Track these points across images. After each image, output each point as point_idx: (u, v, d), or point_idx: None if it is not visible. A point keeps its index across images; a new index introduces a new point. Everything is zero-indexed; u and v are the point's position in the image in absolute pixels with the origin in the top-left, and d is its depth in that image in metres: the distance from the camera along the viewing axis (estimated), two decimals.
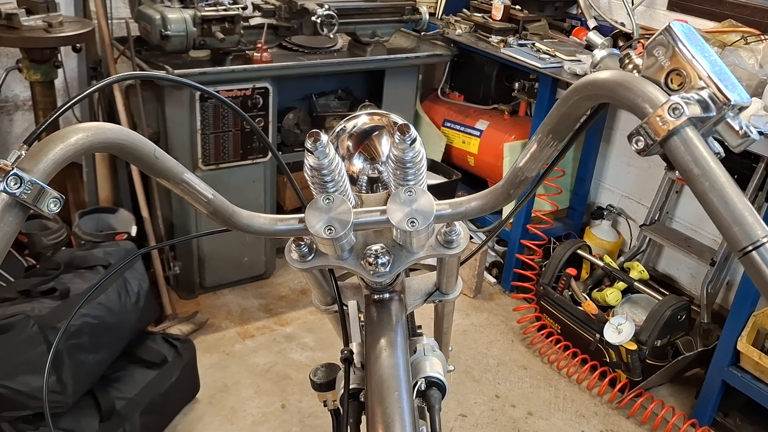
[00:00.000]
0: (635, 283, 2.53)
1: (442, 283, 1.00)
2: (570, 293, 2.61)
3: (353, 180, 0.86)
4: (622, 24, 2.82)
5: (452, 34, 2.99)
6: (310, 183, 0.76)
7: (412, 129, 0.78)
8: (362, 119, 0.91)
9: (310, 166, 0.73)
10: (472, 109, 3.23)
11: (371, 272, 0.80)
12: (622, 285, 2.57)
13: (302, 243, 0.80)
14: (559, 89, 2.80)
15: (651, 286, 2.53)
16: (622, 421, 2.35)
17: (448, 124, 3.26)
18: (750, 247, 0.53)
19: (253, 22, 2.56)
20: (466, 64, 3.22)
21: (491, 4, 2.98)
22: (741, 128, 0.59)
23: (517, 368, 2.57)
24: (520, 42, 2.86)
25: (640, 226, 2.77)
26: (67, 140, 0.57)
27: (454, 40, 2.96)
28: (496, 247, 3.10)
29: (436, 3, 3.24)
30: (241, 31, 2.43)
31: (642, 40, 2.66)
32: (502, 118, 3.13)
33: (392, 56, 2.83)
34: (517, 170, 0.79)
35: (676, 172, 0.60)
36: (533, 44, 2.83)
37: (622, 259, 2.81)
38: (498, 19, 2.96)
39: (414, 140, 0.76)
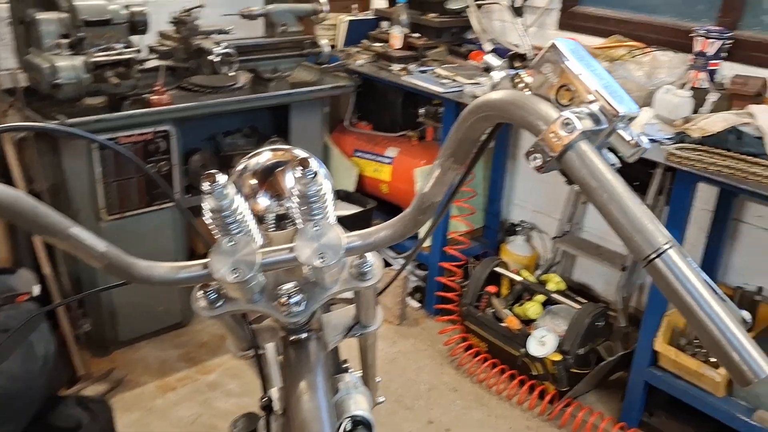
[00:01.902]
0: (553, 295, 2.58)
1: (361, 315, 0.98)
2: (492, 311, 2.64)
3: (260, 219, 0.83)
4: (517, 45, 2.92)
5: (354, 65, 3.01)
6: (212, 227, 0.73)
7: (314, 162, 0.76)
8: (265, 156, 0.89)
9: (209, 209, 0.70)
10: (381, 137, 3.26)
11: (285, 313, 0.77)
12: (541, 297, 2.62)
13: (209, 289, 0.77)
14: None
15: (569, 296, 2.59)
16: None
17: (359, 154, 3.26)
18: (653, 255, 0.54)
19: (149, 64, 2.49)
20: (371, 93, 3.25)
21: (390, 34, 3.03)
22: (632, 138, 0.60)
23: (448, 391, 2.57)
24: (420, 69, 2.91)
25: (553, 239, 2.84)
26: None
27: (356, 71, 2.98)
28: (417, 271, 3.11)
29: (336, 36, 3.26)
30: (137, 75, 2.36)
31: None
32: (411, 144, 3.17)
33: (295, 90, 2.82)
34: (423, 196, 0.78)
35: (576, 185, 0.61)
36: (433, 70, 2.88)
37: (539, 272, 2.87)
38: (397, 47, 3.00)
39: (315, 174, 0.74)
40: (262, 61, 2.80)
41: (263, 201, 0.84)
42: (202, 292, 0.77)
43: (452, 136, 0.71)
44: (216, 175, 0.67)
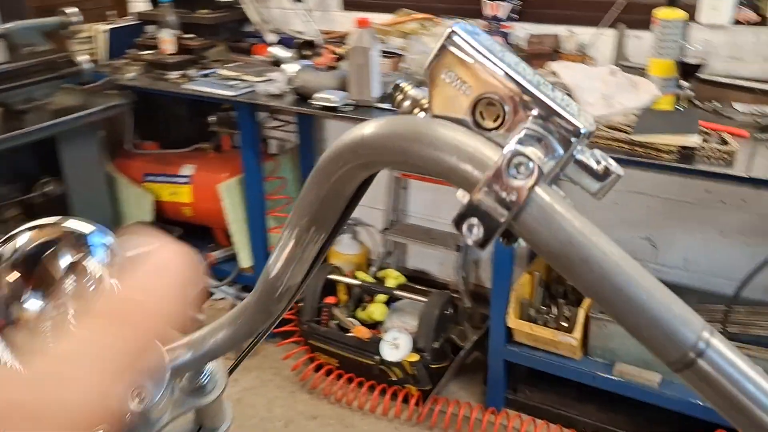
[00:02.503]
0: (395, 291, 2.43)
1: (205, 421, 0.73)
2: (336, 322, 2.43)
3: (34, 330, 0.56)
4: (302, 32, 2.70)
5: (125, 79, 2.61)
6: None
7: (97, 252, 0.50)
8: (23, 238, 0.59)
9: None
10: (172, 155, 2.89)
11: None
12: (383, 297, 2.46)
13: None
14: (258, 113, 2.60)
15: (410, 289, 2.46)
16: None
17: (150, 178, 2.87)
18: (692, 356, 0.35)
19: None
20: (151, 108, 2.86)
21: (159, 39, 2.66)
22: (599, 162, 0.40)
23: (307, 421, 2.33)
24: (202, 73, 2.58)
25: (382, 232, 2.69)
26: None
27: (128, 86, 2.59)
28: (243, 294, 2.82)
29: (95, 49, 2.81)
30: None
31: (328, 45, 2.56)
32: (208, 158, 2.84)
33: (60, 120, 2.37)
34: (272, 281, 0.53)
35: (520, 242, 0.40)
36: (216, 72, 2.57)
37: (374, 269, 2.71)
38: (171, 52, 2.64)
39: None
40: (10, 90, 2.32)
41: (33, 303, 0.56)
42: None
43: (310, 198, 0.46)
44: None
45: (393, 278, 2.51)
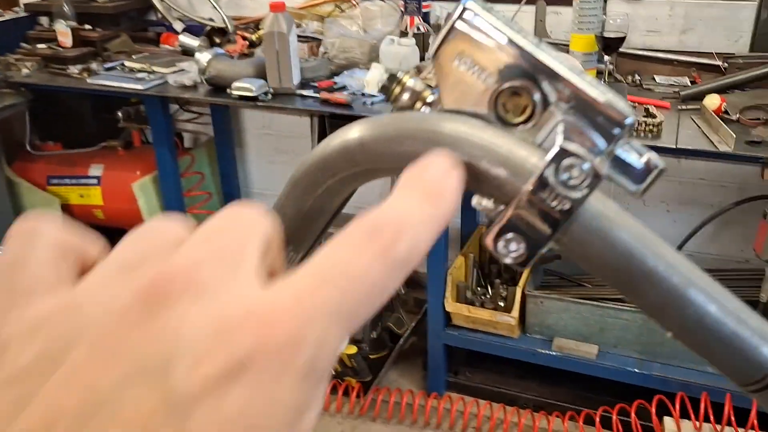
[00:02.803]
0: None
1: None
2: None
3: None
4: (211, 19, 2.56)
5: (19, 76, 2.40)
6: None
7: None
8: None
9: None
10: (78, 155, 2.70)
11: None
12: None
13: None
14: (171, 105, 2.46)
15: None
16: (371, 426, 2.20)
17: (55, 181, 2.68)
18: None
19: None
20: (51, 106, 2.66)
21: (55, 31, 2.46)
22: (641, 155, 0.35)
23: None
24: (106, 66, 2.41)
25: None
26: None
27: (24, 83, 2.39)
28: None
29: None
30: None
31: (239, 32, 2.45)
32: (118, 156, 2.67)
33: None
34: None
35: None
36: (122, 64, 2.41)
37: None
38: (69, 45, 2.45)
39: None
40: None
41: None
42: None
43: (289, 214, 0.39)
44: None
45: None
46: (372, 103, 1.98)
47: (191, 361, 0.18)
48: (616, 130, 0.32)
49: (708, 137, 1.66)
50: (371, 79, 2.03)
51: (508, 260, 0.31)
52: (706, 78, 1.94)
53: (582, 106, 0.32)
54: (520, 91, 0.32)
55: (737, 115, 1.70)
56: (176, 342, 0.19)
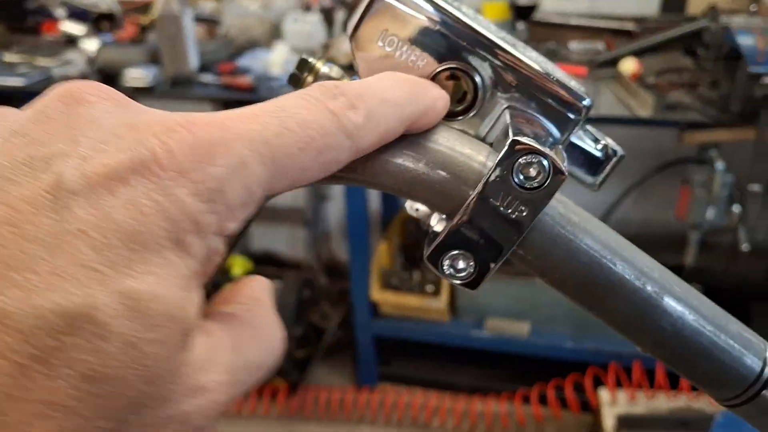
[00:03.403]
0: None
1: None
2: None
3: None
4: (96, 4, 2.36)
5: None
6: None
7: None
8: None
9: None
10: None
11: None
12: None
13: None
14: None
15: (260, 274, 2.25)
16: (304, 427, 2.10)
17: None
18: (759, 388, 0.27)
19: None
20: None
21: None
22: (597, 142, 0.30)
23: None
24: None
25: None
26: None
27: None
28: None
29: None
30: None
31: (128, 16, 2.26)
32: None
33: None
34: None
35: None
36: (1, 59, 2.18)
37: None
38: None
39: None
40: None
41: None
42: None
43: None
44: None
45: (240, 266, 2.30)
46: (279, 87, 1.85)
47: (85, 156, 0.18)
48: (572, 115, 0.27)
49: (626, 103, 1.62)
50: (275, 60, 1.90)
51: (454, 281, 0.26)
52: (619, 43, 1.91)
53: (530, 89, 0.27)
54: (458, 74, 0.27)
55: (653, 79, 1.67)
56: (78, 137, 0.19)
